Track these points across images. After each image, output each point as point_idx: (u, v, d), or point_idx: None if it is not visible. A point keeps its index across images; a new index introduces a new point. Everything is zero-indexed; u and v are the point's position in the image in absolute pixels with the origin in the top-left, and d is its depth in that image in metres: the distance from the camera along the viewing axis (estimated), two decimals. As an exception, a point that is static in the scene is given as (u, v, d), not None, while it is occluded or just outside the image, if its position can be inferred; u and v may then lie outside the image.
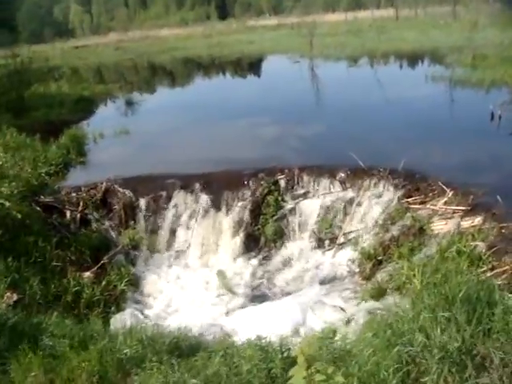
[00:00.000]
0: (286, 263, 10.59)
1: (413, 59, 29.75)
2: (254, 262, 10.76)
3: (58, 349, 5.63)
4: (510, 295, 5.75)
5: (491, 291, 5.32)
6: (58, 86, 24.00)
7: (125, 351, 5.84)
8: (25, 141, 14.29)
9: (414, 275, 7.77)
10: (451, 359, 4.05)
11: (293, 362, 5.87)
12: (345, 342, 5.69)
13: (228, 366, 5.62)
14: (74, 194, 11.72)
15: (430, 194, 10.01)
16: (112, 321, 8.86)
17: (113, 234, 11.23)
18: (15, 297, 8.03)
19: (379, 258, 9.28)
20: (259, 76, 33.44)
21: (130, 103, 22.71)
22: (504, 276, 7.28)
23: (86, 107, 21.29)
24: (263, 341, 6.19)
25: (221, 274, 9.99)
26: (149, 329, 6.87)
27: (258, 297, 9.70)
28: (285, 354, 5.69)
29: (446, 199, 9.60)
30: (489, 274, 7.39)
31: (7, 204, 9.63)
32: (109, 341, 6.16)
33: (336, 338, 5.76)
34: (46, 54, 45.41)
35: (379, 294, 8.27)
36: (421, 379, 4.06)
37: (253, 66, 38.13)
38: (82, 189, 11.86)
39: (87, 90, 23.87)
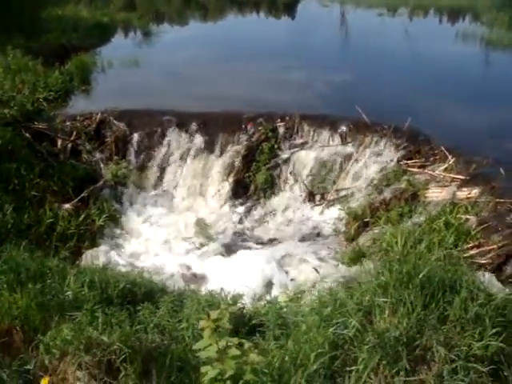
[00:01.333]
0: (272, 214, 10.22)
1: (447, 14, 28.24)
2: (241, 209, 10.41)
3: (-6, 287, 5.32)
4: (483, 279, 5.29)
5: (460, 273, 4.83)
6: (76, 9, 23.30)
7: (67, 293, 5.53)
8: (27, 63, 13.78)
9: (396, 242, 7.33)
10: (385, 349, 3.62)
11: (243, 322, 5.63)
12: (299, 308, 5.32)
13: (172, 320, 5.35)
14: (68, 123, 11.28)
15: (431, 159, 9.44)
16: (83, 257, 8.66)
17: (102, 167, 10.86)
18: (-17, 223, 7.83)
19: (366, 219, 8.81)
20: (289, 17, 32.22)
21: (148, 34, 21.99)
22: (489, 255, 6.80)
23: (101, 34, 20.47)
24: (217, 296, 5.89)
25: (200, 222, 9.65)
26: (104, 270, 6.56)
27: (238, 246, 9.36)
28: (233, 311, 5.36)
29: (446, 166, 9.02)
30: (473, 252, 6.92)
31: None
32: (57, 280, 5.88)
33: (287, 304, 5.39)
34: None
35: (359, 257, 7.86)
36: (347, 368, 3.65)
37: (282, 5, 36.72)
38: (78, 118, 11.43)
39: (106, 17, 23.06)
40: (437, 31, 24.00)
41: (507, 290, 5.36)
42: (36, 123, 11.02)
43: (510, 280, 6.20)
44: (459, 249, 6.97)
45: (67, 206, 9.52)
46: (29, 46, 16.10)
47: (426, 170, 9.17)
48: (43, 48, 16.60)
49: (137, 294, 6.17)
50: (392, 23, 24.89)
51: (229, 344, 3.48)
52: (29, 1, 20.15)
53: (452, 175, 8.74)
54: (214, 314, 3.40)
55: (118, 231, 9.74)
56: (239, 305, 5.85)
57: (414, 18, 28.45)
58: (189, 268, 8.55)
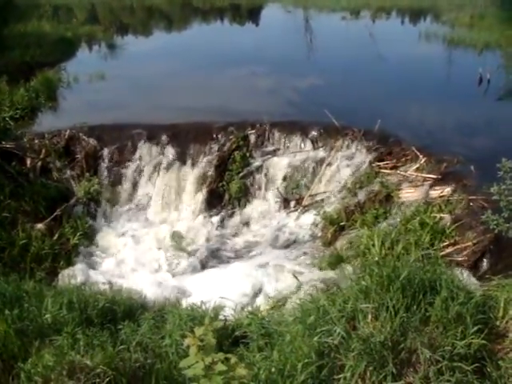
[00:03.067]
0: (248, 223, 10.21)
1: (409, 15, 28.73)
2: (216, 219, 10.34)
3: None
4: (461, 279, 5.35)
5: (439, 273, 4.88)
6: (39, 25, 22.94)
7: (46, 316, 5.40)
8: (-10, 82, 13.53)
9: (373, 245, 7.38)
10: (371, 355, 3.63)
11: (226, 334, 5.58)
12: (281, 317, 5.30)
13: (154, 336, 5.28)
14: (36, 141, 11.11)
15: (403, 159, 9.56)
16: (60, 277, 8.50)
17: (73, 184, 10.70)
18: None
19: (342, 223, 8.85)
20: (254, 23, 32.31)
21: (113, 47, 21.79)
22: (465, 252, 6.89)
23: (66, 49, 20.22)
24: (198, 310, 5.84)
25: (176, 235, 9.58)
26: (82, 289, 6.45)
27: (215, 258, 9.33)
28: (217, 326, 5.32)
29: (417, 166, 9.15)
30: (450, 250, 7.01)
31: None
32: (34, 303, 5.74)
33: (269, 313, 5.37)
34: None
35: (337, 261, 7.87)
36: (335, 376, 3.65)
37: (246, 12, 36.88)
38: (46, 135, 11.25)
39: (70, 31, 22.76)
40: (400, 32, 24.37)
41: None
42: (3, 143, 10.79)
43: (486, 276, 6.28)
44: (435, 248, 7.06)
45: (40, 225, 9.34)
46: (-10, 64, 15.82)
47: (398, 171, 9.27)
48: (7, 65, 16.29)
49: (117, 312, 6.08)
50: (356, 26, 25.12)
51: (215, 360, 3.44)
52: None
53: (424, 175, 8.86)
54: (198, 331, 3.36)
55: (93, 248, 9.60)
56: (221, 317, 5.82)
57: (377, 20, 28.80)
58: (167, 282, 8.47)
